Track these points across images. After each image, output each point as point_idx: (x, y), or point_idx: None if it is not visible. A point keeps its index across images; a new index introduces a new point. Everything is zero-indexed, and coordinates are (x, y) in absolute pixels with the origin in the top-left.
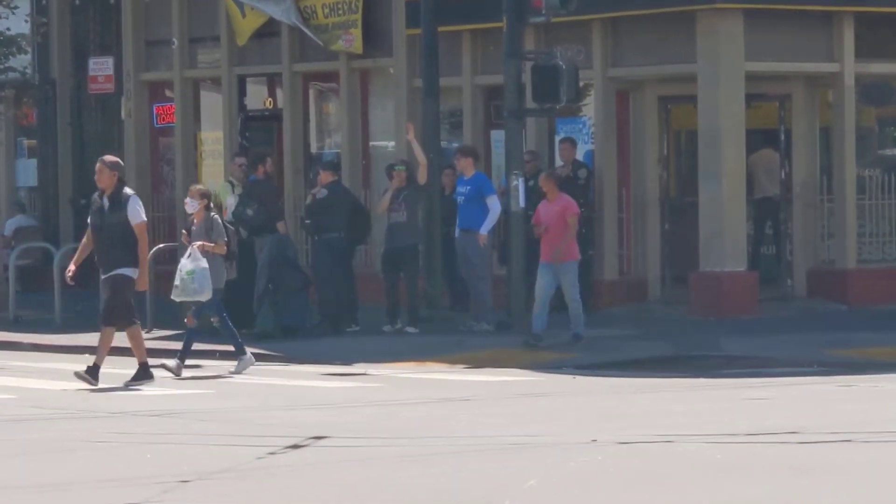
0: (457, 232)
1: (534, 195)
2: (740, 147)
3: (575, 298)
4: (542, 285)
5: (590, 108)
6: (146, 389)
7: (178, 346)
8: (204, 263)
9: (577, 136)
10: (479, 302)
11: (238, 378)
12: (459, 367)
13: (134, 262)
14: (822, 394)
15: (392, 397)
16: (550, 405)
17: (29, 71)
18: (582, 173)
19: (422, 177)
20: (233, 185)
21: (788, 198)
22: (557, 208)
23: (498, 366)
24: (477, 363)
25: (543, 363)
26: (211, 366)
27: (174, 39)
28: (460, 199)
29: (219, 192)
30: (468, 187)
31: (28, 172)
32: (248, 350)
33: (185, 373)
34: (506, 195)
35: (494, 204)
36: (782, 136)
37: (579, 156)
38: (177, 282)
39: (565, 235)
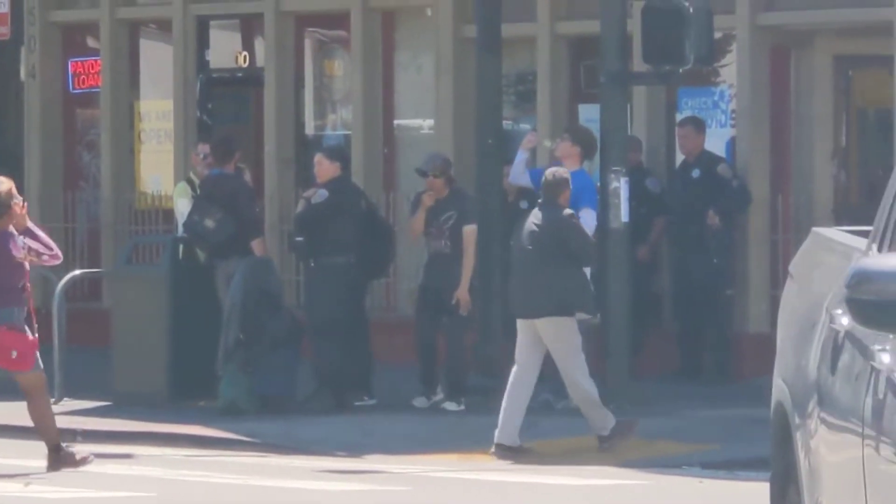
0: None
1: (643, 204)
2: None
3: None
4: None
5: (730, 73)
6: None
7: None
8: None
9: (709, 115)
10: None
11: (193, 472)
12: (524, 462)
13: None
14: None
15: None
16: None
17: None
18: (724, 171)
19: None
20: (194, 186)
21: None
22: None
23: (586, 461)
24: (552, 457)
25: (655, 458)
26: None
27: None
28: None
29: (173, 195)
30: None
31: None
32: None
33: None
34: (601, 203)
35: (588, 219)
36: None
37: (715, 145)
38: None
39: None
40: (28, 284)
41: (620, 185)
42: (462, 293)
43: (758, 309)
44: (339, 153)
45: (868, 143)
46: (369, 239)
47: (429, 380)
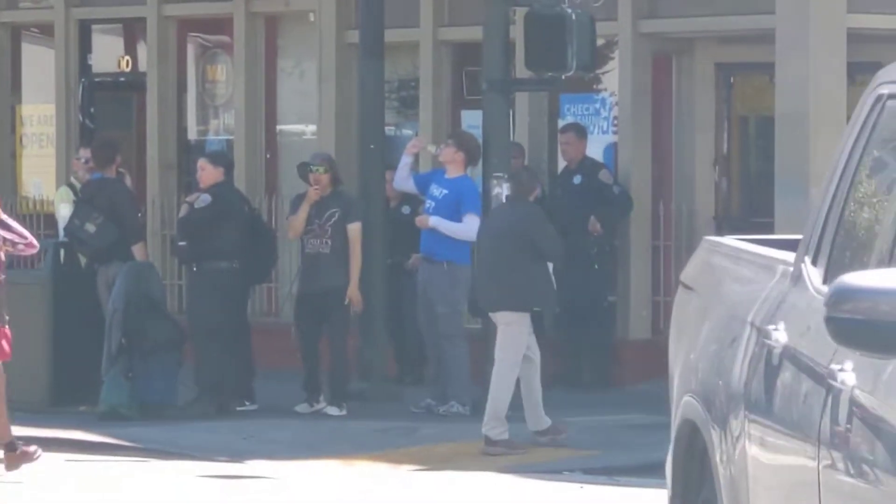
0: (415, 262)
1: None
2: (839, 141)
3: None
4: None
5: (612, 79)
6: None
7: None
8: None
9: (591, 122)
10: (450, 371)
11: (72, 476)
12: (406, 468)
13: None
14: None
15: None
16: None
17: None
18: (606, 177)
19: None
20: (76, 190)
21: None
22: None
23: (466, 467)
24: (434, 463)
25: (535, 464)
26: None
27: None
28: (429, 207)
29: (55, 199)
30: (445, 191)
31: None
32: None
33: None
34: (484, 209)
35: (471, 224)
36: None
37: (596, 152)
38: None
39: None
40: (2, 276)
41: (503, 191)
42: (353, 292)
43: (639, 316)
44: (223, 158)
45: (749, 150)
46: (252, 244)
47: (312, 386)
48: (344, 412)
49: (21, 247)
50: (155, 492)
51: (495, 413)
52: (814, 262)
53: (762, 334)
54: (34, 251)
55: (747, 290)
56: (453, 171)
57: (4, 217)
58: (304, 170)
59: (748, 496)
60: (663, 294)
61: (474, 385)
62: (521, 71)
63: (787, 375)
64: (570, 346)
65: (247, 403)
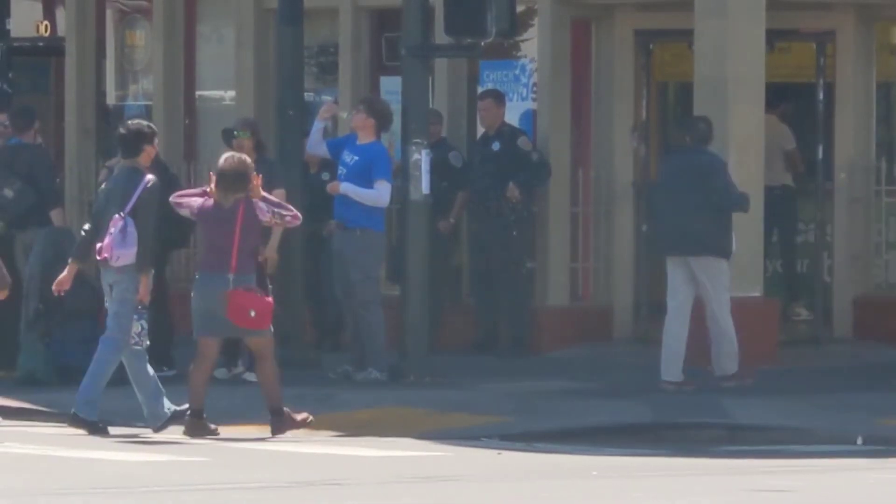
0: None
1: (444, 178)
2: (757, 108)
3: None
4: None
5: (532, 46)
6: None
7: None
8: None
9: (511, 89)
10: (366, 337)
11: None
12: (324, 433)
13: None
14: (871, 484)
15: (221, 479)
16: (461, 497)
17: None
18: (524, 144)
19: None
20: None
21: (828, 189)
22: None
23: (384, 433)
24: (352, 429)
25: (453, 430)
26: None
27: None
28: (340, 174)
29: None
30: (356, 157)
31: None
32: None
33: None
34: (401, 175)
35: (381, 191)
36: (820, 95)
37: (514, 118)
38: None
39: None
40: (261, 248)
41: (422, 158)
42: (271, 252)
43: (557, 282)
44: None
45: (668, 116)
46: (171, 211)
47: (229, 351)
48: None
49: (288, 218)
50: (73, 456)
51: (725, 345)
52: None
53: None
54: (299, 223)
55: None
56: (364, 138)
57: (265, 194)
58: (227, 136)
59: None
60: (581, 261)
61: (391, 351)
62: (440, 37)
63: None
64: (487, 311)
65: (165, 369)
